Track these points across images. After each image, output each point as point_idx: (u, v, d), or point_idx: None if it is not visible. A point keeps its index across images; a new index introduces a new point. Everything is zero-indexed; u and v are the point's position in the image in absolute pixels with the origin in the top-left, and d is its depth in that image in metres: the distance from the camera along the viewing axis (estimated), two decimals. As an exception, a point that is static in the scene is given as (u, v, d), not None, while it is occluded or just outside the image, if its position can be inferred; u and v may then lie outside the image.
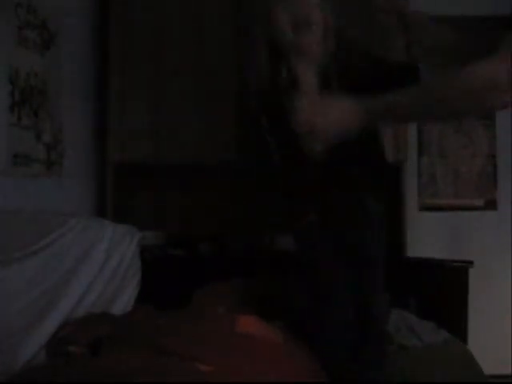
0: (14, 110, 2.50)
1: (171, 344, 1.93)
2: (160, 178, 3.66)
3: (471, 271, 3.01)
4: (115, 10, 3.38)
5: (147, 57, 3.39)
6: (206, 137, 3.36)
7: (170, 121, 3.38)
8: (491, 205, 3.88)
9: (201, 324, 2.10)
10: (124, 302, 2.63)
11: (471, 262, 3.02)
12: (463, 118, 1.59)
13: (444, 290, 2.97)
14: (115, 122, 3.36)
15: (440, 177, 3.92)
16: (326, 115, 1.61)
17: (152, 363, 1.83)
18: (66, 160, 3.00)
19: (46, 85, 2.78)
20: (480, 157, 3.91)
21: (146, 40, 3.39)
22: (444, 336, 2.60)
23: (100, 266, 2.52)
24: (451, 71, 1.49)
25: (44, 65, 2.76)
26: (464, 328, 2.94)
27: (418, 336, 2.53)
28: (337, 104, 1.64)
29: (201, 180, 3.66)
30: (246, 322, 2.12)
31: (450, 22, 3.71)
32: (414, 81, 1.92)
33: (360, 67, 1.99)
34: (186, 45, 3.39)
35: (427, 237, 3.80)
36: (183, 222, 3.64)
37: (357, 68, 1.99)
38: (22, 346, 2.01)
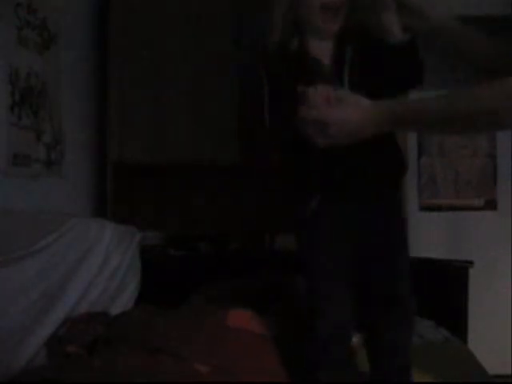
0: (13, 110, 2.50)
1: (169, 344, 1.93)
2: (160, 178, 3.66)
3: (471, 271, 3.01)
4: (115, 10, 3.38)
5: (147, 57, 3.39)
6: (206, 137, 3.37)
7: (170, 121, 3.38)
8: (491, 205, 3.88)
9: (198, 323, 2.10)
10: (124, 301, 2.63)
11: (471, 262, 3.02)
12: (484, 131, 1.52)
13: (444, 290, 2.97)
14: (115, 122, 3.36)
15: (440, 177, 3.92)
16: (340, 110, 1.46)
17: (149, 364, 1.83)
18: (66, 160, 3.00)
19: (46, 85, 2.78)
20: (480, 157, 3.91)
21: (146, 40, 3.39)
22: (444, 334, 2.60)
23: (100, 266, 2.51)
24: (478, 85, 1.40)
25: (44, 65, 2.76)
26: (464, 328, 2.94)
27: (417, 333, 2.54)
28: (354, 100, 1.49)
29: (201, 180, 3.66)
30: (238, 317, 2.12)
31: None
32: (414, 60, 1.76)
33: (363, 49, 1.78)
34: (186, 45, 3.39)
35: (427, 237, 3.80)
36: (183, 222, 3.64)
37: (361, 50, 1.79)
38: (22, 346, 2.01)
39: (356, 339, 2.43)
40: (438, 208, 3.88)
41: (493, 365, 2.45)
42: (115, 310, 2.52)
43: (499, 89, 1.32)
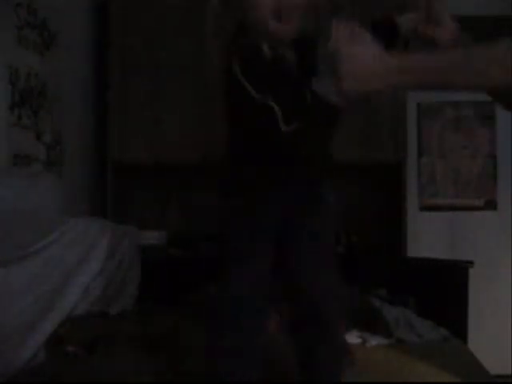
0: (14, 110, 2.50)
1: (169, 342, 1.93)
2: (160, 178, 3.66)
3: (471, 271, 3.01)
4: (115, 10, 3.38)
5: (147, 57, 3.39)
6: (206, 137, 3.36)
7: (170, 121, 3.38)
8: (491, 205, 3.88)
9: (199, 322, 2.10)
10: (124, 301, 2.63)
11: (471, 262, 3.02)
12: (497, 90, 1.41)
13: (444, 290, 2.97)
14: (115, 121, 3.36)
15: (440, 177, 3.92)
16: (363, 47, 1.36)
17: (149, 362, 1.83)
18: (66, 160, 3.00)
19: (46, 85, 2.78)
20: (480, 157, 3.91)
21: (145, 40, 3.39)
22: (443, 334, 2.60)
23: (100, 266, 2.52)
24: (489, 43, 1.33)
25: (44, 65, 2.76)
26: (464, 328, 2.94)
27: (417, 332, 2.54)
28: (371, 48, 1.37)
29: (201, 180, 3.65)
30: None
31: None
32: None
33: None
34: (185, 45, 3.39)
35: (427, 237, 3.81)
36: (183, 222, 3.64)
37: None
38: (22, 346, 2.01)
39: (357, 340, 2.43)
40: (438, 208, 3.88)
41: (493, 365, 2.45)
42: (115, 310, 2.52)
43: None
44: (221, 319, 1.59)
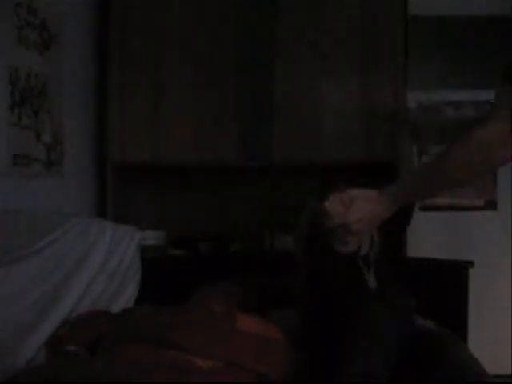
0: (14, 110, 2.50)
1: (170, 340, 1.93)
2: (160, 178, 3.66)
3: (471, 271, 3.01)
4: (115, 10, 3.38)
5: (147, 57, 3.40)
6: (206, 137, 3.37)
7: (170, 121, 3.38)
8: (491, 205, 3.88)
9: (200, 320, 2.10)
10: (124, 301, 2.63)
11: (471, 262, 3.02)
12: (478, 176, 1.75)
13: (444, 290, 2.97)
14: (115, 122, 3.36)
15: (440, 177, 3.92)
16: (355, 208, 1.74)
17: (149, 361, 1.83)
18: (66, 160, 3.00)
19: (46, 85, 2.78)
20: (480, 157, 3.91)
21: (145, 40, 3.39)
22: (444, 335, 2.59)
23: (100, 266, 2.52)
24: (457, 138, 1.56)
25: (44, 65, 2.76)
26: (464, 328, 2.94)
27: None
28: (363, 195, 1.76)
29: (201, 180, 3.66)
30: (246, 320, 2.12)
31: (450, 22, 3.74)
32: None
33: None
34: (186, 44, 3.39)
35: (427, 237, 3.80)
36: (183, 222, 3.64)
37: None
38: (22, 346, 2.01)
39: None
40: (438, 208, 3.88)
41: (493, 365, 2.45)
42: (115, 310, 2.52)
43: (472, 143, 1.50)
44: None
